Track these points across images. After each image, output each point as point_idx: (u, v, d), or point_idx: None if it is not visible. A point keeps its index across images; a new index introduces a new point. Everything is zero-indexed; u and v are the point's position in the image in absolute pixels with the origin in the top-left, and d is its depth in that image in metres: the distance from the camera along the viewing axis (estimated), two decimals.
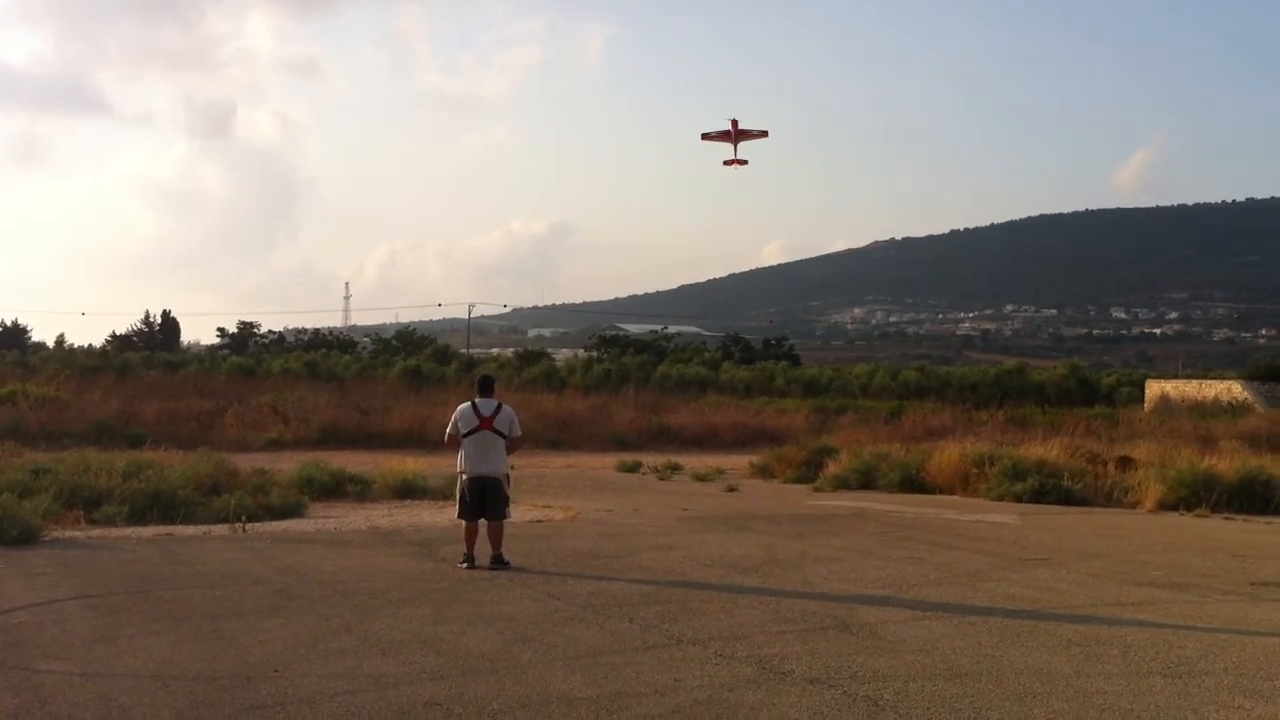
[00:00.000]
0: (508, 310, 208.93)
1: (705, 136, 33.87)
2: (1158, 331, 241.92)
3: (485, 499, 13.16)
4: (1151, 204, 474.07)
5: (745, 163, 34.00)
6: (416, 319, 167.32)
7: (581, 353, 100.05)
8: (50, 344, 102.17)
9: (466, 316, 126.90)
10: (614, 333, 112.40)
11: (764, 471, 28.85)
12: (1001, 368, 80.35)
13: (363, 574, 12.49)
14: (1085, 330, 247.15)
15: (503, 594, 11.37)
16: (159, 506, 17.17)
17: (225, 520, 16.64)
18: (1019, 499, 21.98)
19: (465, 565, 12.97)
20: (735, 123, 33.19)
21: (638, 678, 8.10)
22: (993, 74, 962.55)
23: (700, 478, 27.38)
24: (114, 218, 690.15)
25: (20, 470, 18.82)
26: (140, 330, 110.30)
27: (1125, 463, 24.08)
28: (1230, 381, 64.99)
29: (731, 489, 24.84)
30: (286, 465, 23.50)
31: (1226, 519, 19.68)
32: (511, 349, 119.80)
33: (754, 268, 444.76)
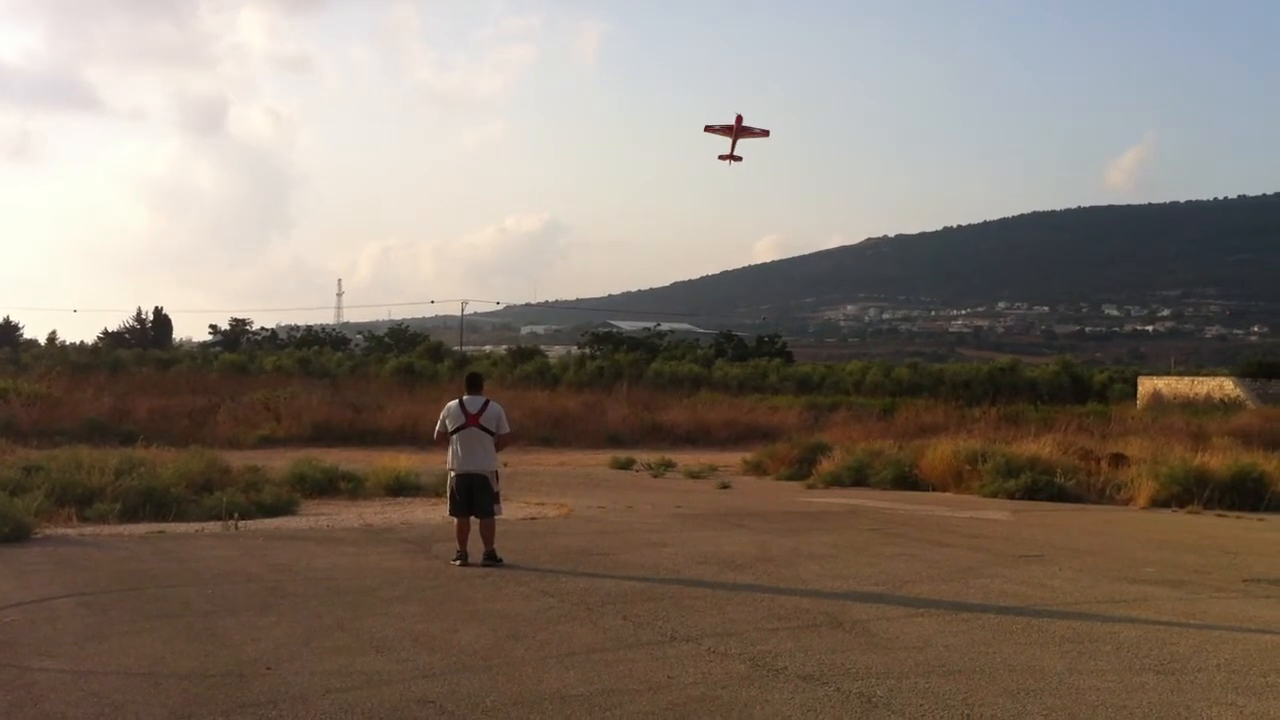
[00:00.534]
0: (501, 307, 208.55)
1: (709, 128, 33.77)
2: (1150, 328, 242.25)
3: (473, 495, 13.14)
4: (1144, 201, 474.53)
5: (740, 159, 33.85)
6: (409, 316, 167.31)
7: (575, 350, 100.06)
8: (42, 341, 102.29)
9: (460, 314, 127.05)
10: (607, 330, 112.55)
11: (757, 469, 28.88)
12: (994, 365, 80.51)
13: (355, 571, 12.47)
14: (1078, 327, 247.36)
15: (496, 591, 11.36)
16: (151, 504, 17.15)
17: (218, 518, 16.61)
18: (1012, 496, 22.02)
19: (458, 562, 12.96)
20: (740, 118, 33.06)
21: (631, 675, 8.10)
22: (986, 72, 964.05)
23: (693, 475, 27.38)
24: (106, 214, 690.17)
25: (12, 468, 18.74)
26: (132, 327, 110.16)
27: (1118, 459, 24.15)
28: (1222, 378, 65.14)
29: (724, 486, 24.85)
30: (279, 462, 23.46)
31: (1219, 516, 19.72)
32: (505, 346, 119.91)
33: (747, 265, 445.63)
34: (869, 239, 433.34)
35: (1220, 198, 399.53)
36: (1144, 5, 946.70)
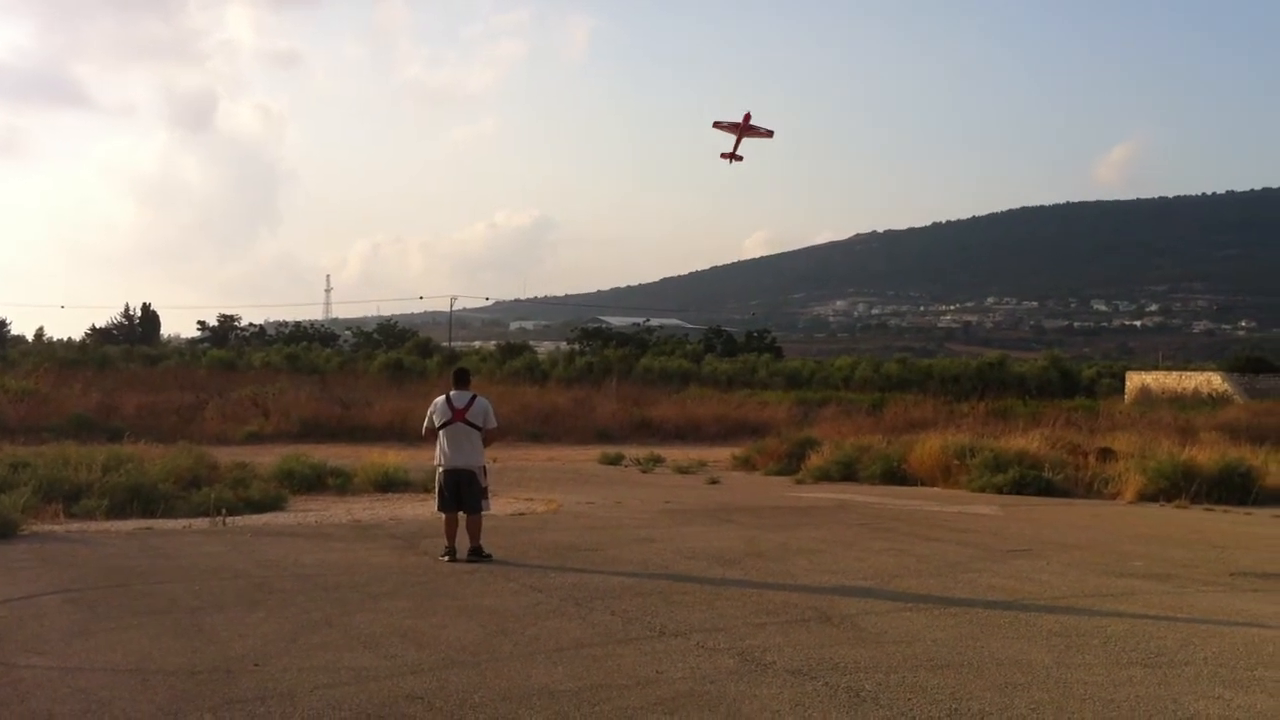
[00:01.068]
0: (490, 303, 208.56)
1: (717, 124, 33.83)
2: (1138, 323, 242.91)
3: (460, 491, 13.13)
4: (1132, 197, 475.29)
5: (741, 159, 33.95)
6: (398, 312, 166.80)
7: (564, 345, 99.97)
8: (29, 337, 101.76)
9: (449, 309, 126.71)
10: (596, 325, 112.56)
11: (746, 464, 28.87)
12: (983, 360, 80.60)
13: (343, 567, 12.45)
14: (1066, 322, 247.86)
15: (484, 587, 11.35)
16: (139, 500, 17.10)
17: (205, 514, 16.57)
18: (1000, 490, 22.06)
19: (446, 558, 12.94)
20: (748, 116, 33.11)
21: (620, 670, 8.10)
22: (975, 69, 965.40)
23: (682, 470, 27.37)
24: (94, 210, 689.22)
25: None
26: (120, 323, 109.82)
27: (1106, 454, 24.17)
28: (1210, 373, 65.34)
29: (713, 481, 24.85)
30: (267, 458, 23.40)
31: (1206, 510, 19.77)
32: (494, 342, 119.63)
33: (736, 260, 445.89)
34: (858, 234, 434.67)
35: (1208, 193, 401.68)
36: (1133, 2, 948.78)
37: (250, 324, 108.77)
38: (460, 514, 13.18)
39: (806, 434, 30.28)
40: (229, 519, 16.25)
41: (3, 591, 10.79)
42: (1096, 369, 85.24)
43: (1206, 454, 22.52)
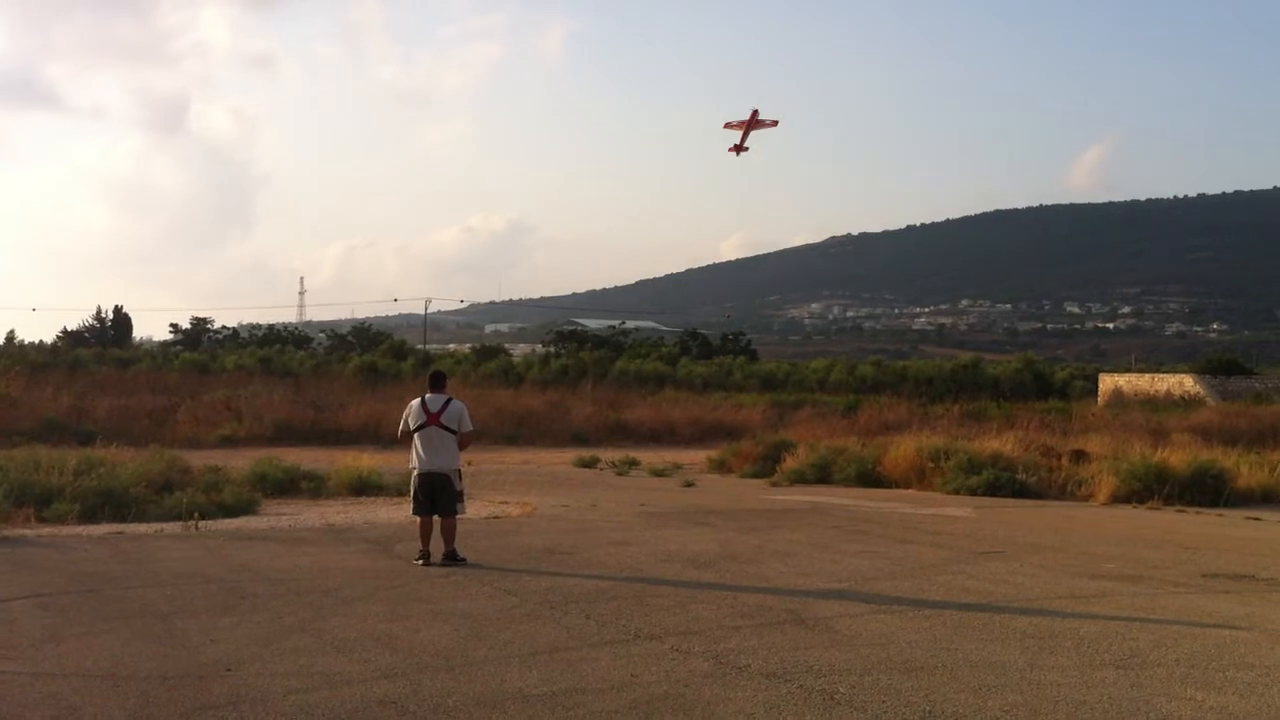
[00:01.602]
0: (465, 306, 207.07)
1: (728, 125, 35.09)
2: (1111, 326, 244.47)
3: (435, 494, 13.10)
4: (1105, 199, 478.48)
5: (748, 150, 35.22)
6: (372, 315, 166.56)
7: (539, 348, 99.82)
8: (0, 340, 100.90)
9: (423, 312, 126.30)
10: (571, 328, 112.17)
11: (721, 466, 28.93)
12: (957, 362, 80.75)
13: (317, 571, 12.39)
14: (1039, 325, 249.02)
15: (458, 591, 11.32)
16: (110, 504, 16.98)
17: (178, 518, 16.47)
18: (974, 493, 22.15)
19: (420, 562, 12.91)
20: (755, 112, 34.23)
21: (594, 674, 8.08)
22: (948, 72, 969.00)
23: (657, 473, 27.40)
24: (66, 212, 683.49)
25: None
26: (92, 326, 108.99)
27: (1079, 456, 24.32)
28: (1182, 375, 65.74)
29: (689, 484, 24.88)
30: (240, 462, 23.30)
31: (1178, 511, 19.89)
32: (469, 345, 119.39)
33: (712, 263, 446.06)
34: (833, 237, 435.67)
35: (1180, 196, 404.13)
36: (1106, 6, 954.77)
37: (223, 327, 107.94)
38: (435, 517, 13.15)
39: (781, 436, 30.36)
40: (202, 523, 16.15)
41: None
42: (1070, 371, 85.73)
43: (1179, 456, 22.65)
